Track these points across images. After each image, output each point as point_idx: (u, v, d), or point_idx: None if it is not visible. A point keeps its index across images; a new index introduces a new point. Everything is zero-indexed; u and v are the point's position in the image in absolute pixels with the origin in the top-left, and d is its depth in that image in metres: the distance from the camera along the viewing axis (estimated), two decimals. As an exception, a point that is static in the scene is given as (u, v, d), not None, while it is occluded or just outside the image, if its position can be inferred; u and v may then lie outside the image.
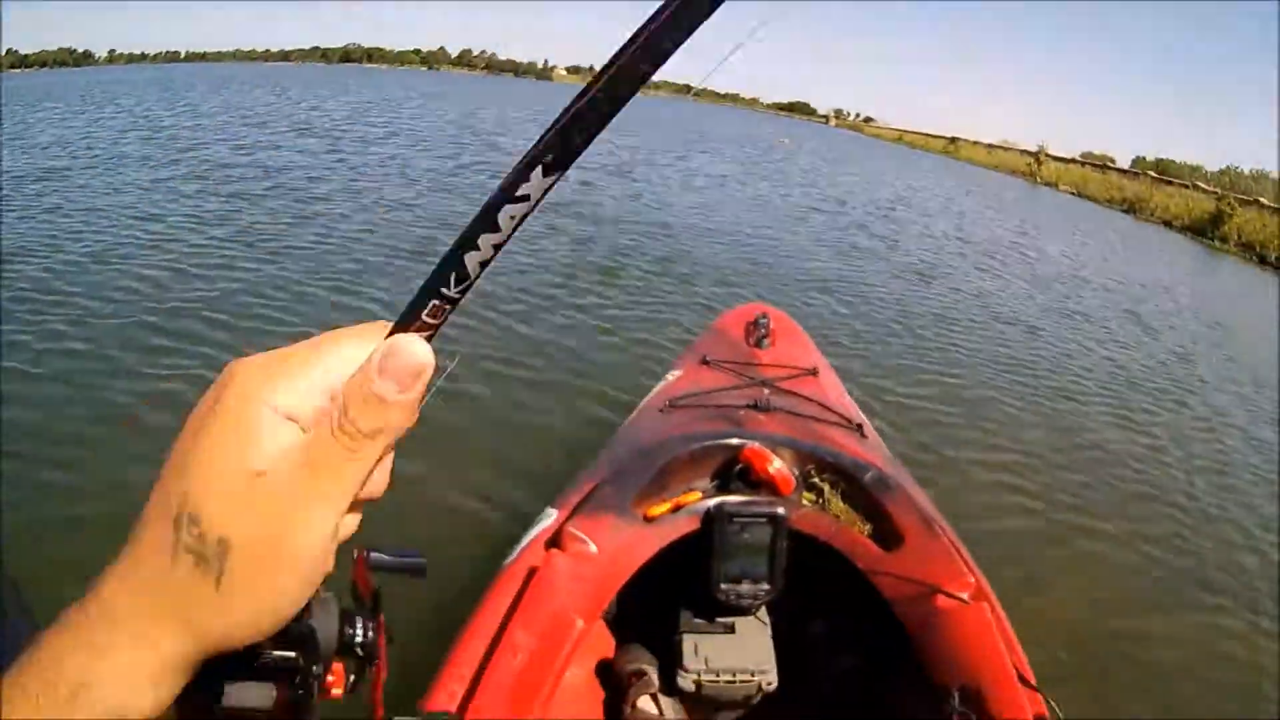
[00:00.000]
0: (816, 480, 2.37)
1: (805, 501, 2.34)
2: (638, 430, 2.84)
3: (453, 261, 0.41)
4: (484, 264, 0.41)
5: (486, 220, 0.40)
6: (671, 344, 5.84)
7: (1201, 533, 4.84)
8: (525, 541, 2.14)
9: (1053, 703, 1.72)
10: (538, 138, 0.39)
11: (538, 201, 0.40)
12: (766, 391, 2.90)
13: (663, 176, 16.51)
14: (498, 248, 0.41)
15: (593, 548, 2.04)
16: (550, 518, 2.20)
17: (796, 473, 2.37)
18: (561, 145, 0.39)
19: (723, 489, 2.34)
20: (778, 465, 2.29)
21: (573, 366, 5.58)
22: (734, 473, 2.34)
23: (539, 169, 0.39)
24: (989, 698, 1.70)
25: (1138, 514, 4.92)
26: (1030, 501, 4.76)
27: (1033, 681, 1.78)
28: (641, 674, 2.12)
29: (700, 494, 2.30)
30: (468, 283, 0.42)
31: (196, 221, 8.44)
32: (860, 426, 2.88)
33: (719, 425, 2.60)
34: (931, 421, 5.60)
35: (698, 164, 20.16)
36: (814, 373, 3.25)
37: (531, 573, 1.91)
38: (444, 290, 0.42)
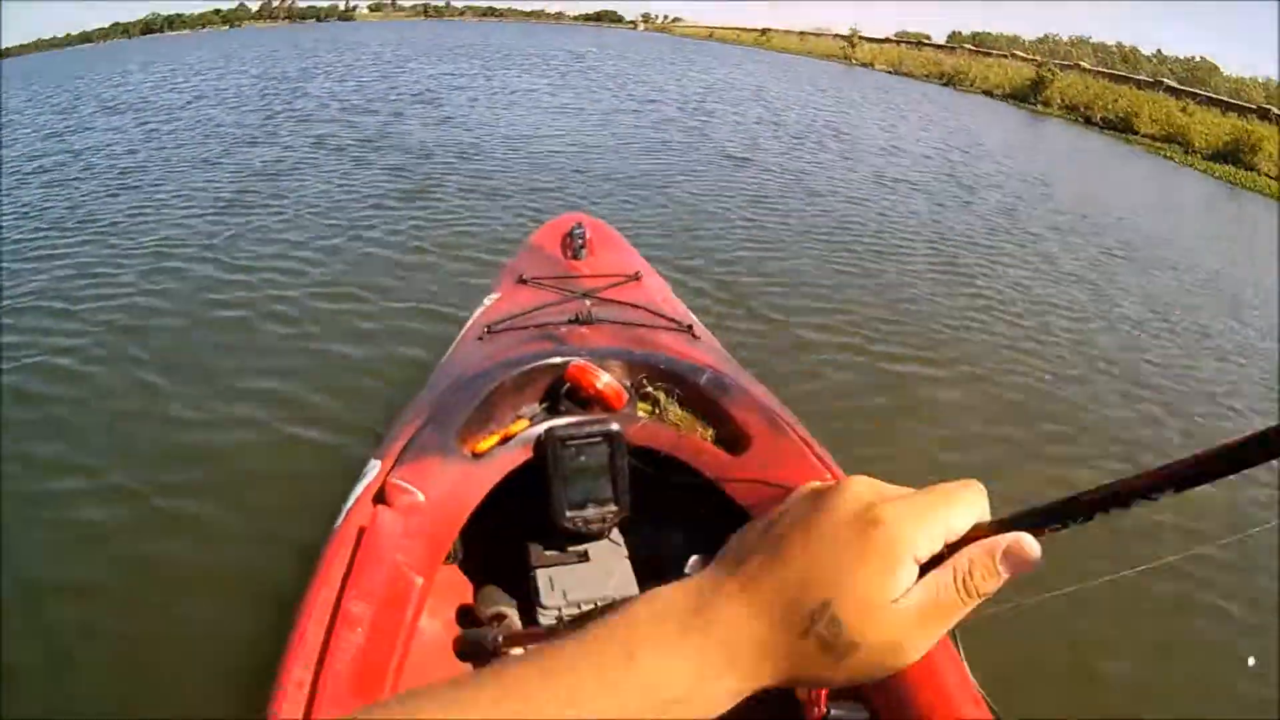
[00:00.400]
0: (650, 389, 2.29)
1: (641, 413, 2.25)
2: (457, 362, 2.62)
3: (1108, 504, 0.45)
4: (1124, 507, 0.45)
5: (1156, 490, 0.44)
6: (490, 266, 5.57)
7: (1034, 367, 5.22)
8: (351, 500, 1.95)
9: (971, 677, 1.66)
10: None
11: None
12: (588, 303, 2.82)
13: (469, 98, 16.04)
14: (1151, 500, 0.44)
15: (420, 496, 1.89)
16: (374, 470, 2.01)
17: (628, 384, 2.28)
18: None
19: (552, 412, 2.23)
20: (606, 379, 2.19)
21: (388, 303, 5.31)
22: (562, 393, 2.24)
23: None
24: None
25: (967, 355, 5.26)
26: (860, 358, 4.97)
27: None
28: (502, 617, 2.06)
29: (528, 420, 2.19)
30: (1102, 515, 0.46)
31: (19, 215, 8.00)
32: (690, 327, 2.81)
33: (541, 345, 2.47)
34: (763, 307, 5.61)
35: (503, 82, 19.86)
36: (636, 277, 3.16)
37: (360, 534, 1.76)
38: (1074, 519, 0.46)
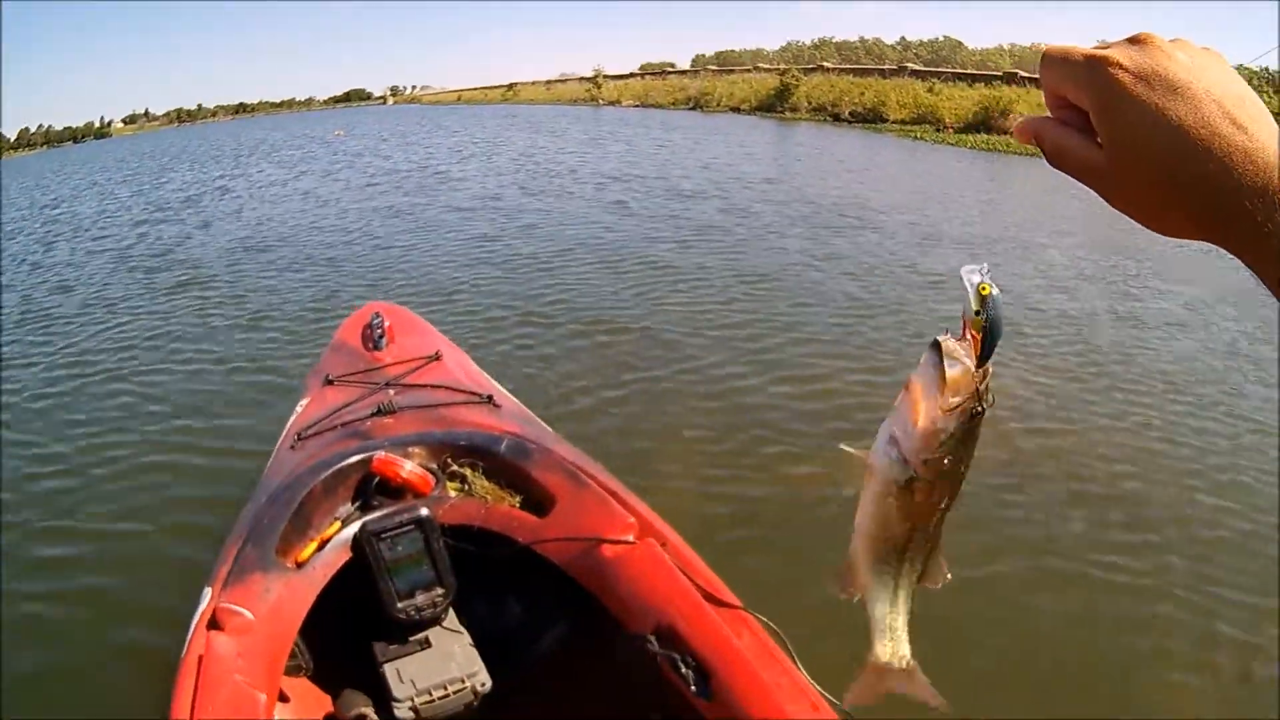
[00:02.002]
0: (456, 467, 2.34)
1: (451, 491, 2.30)
2: (273, 474, 2.58)
3: None
4: None
5: None
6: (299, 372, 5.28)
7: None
8: (190, 631, 1.94)
9: (760, 617, 1.79)
10: None
11: None
12: (391, 392, 2.85)
13: (218, 202, 15.52)
14: None
15: (249, 615, 1.91)
16: (207, 597, 2.01)
17: (434, 466, 2.34)
18: None
19: (365, 509, 2.25)
20: (410, 467, 2.26)
21: (203, 430, 5.02)
22: (371, 488, 2.27)
23: None
24: (685, 630, 1.75)
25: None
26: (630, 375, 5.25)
27: (730, 602, 1.83)
28: (362, 718, 2.08)
29: (340, 522, 2.21)
30: None
31: None
32: (490, 397, 2.85)
33: (347, 444, 2.49)
34: (547, 356, 5.74)
35: (256, 176, 19.75)
36: (436, 357, 3.20)
37: (200, 662, 1.78)
38: None
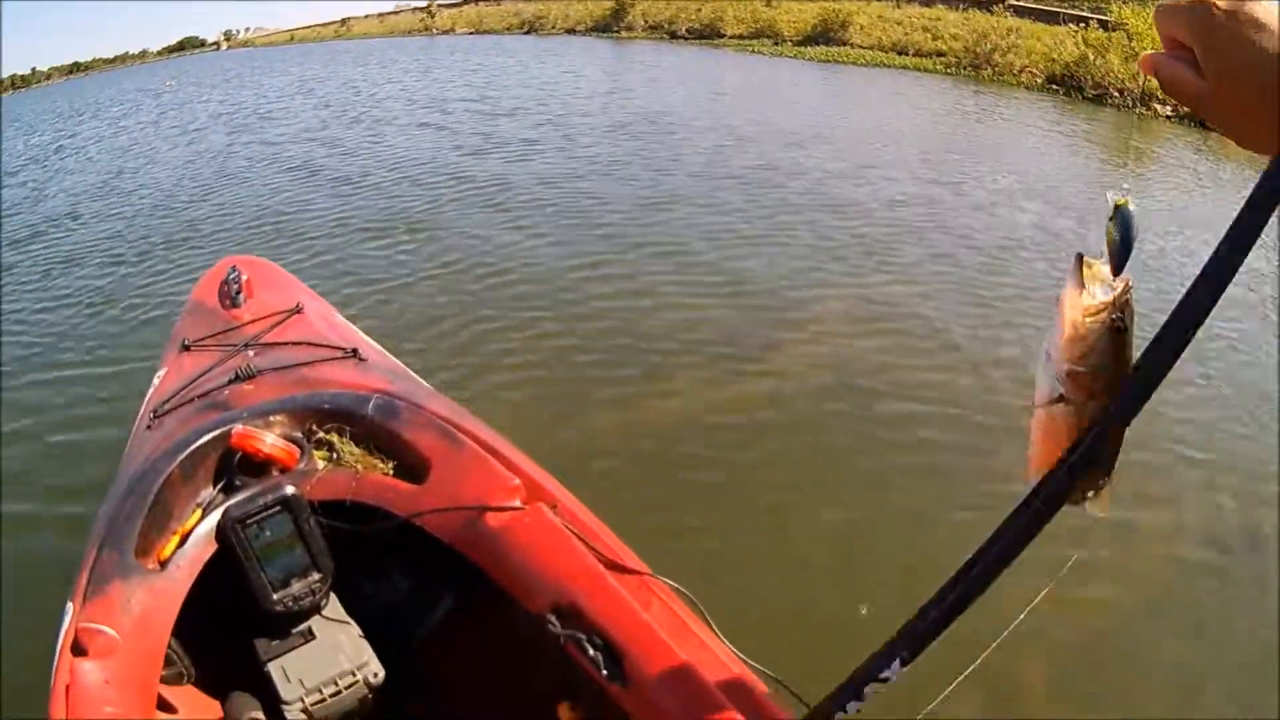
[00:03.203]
0: (321, 434, 2.14)
1: (321, 462, 2.10)
2: (129, 460, 2.33)
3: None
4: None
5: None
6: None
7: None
8: (55, 659, 1.75)
9: (669, 581, 1.69)
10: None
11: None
12: (251, 354, 2.62)
13: (44, 168, 14.50)
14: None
15: (113, 633, 1.72)
16: (68, 615, 1.82)
17: (299, 435, 2.14)
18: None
19: (229, 491, 2.03)
20: (272, 440, 2.04)
21: (54, 420, 4.60)
22: (233, 467, 2.05)
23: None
24: (587, 604, 1.63)
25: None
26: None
27: (634, 567, 1.72)
28: None
29: (201, 510, 1.99)
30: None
31: None
32: (355, 350, 2.63)
33: (204, 418, 2.25)
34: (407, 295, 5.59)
35: (84, 135, 18.64)
36: (298, 310, 2.94)
37: (67, 694, 1.63)
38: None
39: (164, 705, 1.75)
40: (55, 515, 3.68)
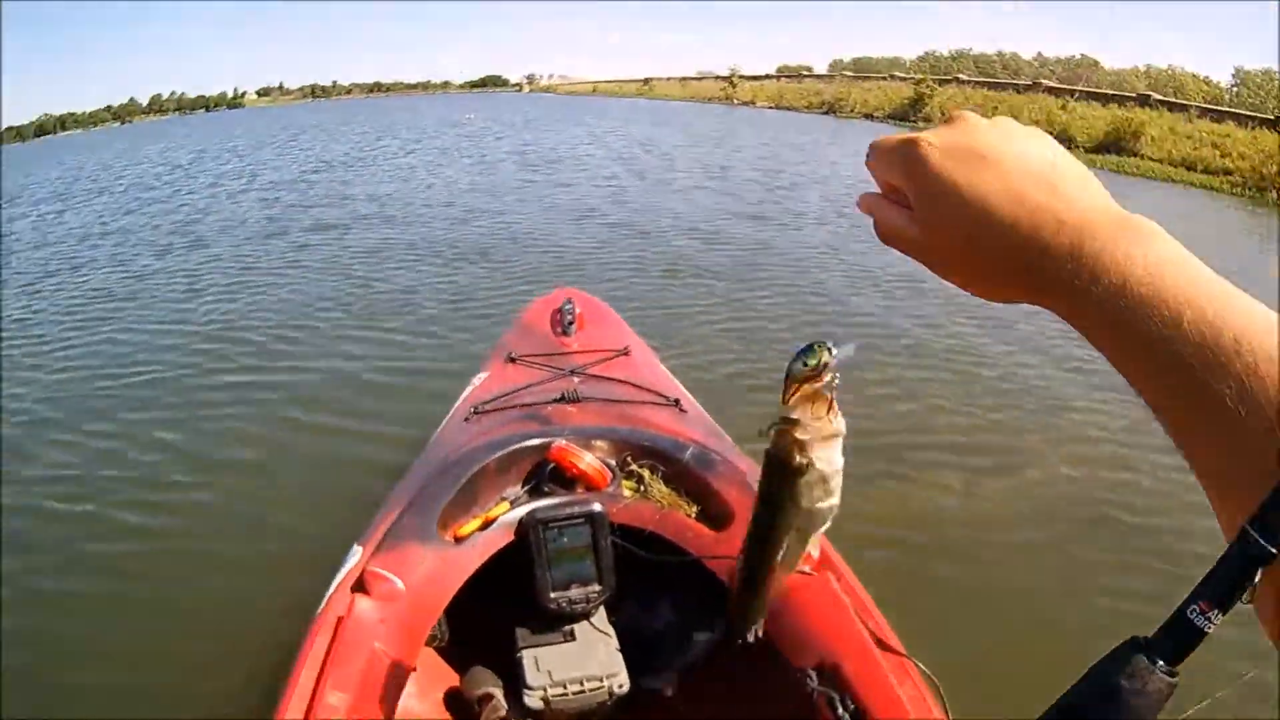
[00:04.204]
0: (634, 467, 2.28)
1: (626, 491, 2.23)
2: (441, 445, 2.58)
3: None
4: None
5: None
6: (478, 344, 5.57)
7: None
8: (332, 589, 1.96)
9: (921, 666, 1.69)
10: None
11: None
12: (576, 380, 2.82)
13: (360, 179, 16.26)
14: None
15: (399, 583, 1.90)
16: (355, 557, 2.02)
17: (612, 463, 2.28)
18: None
19: (535, 493, 2.23)
20: (589, 459, 2.20)
21: (379, 385, 5.35)
22: (545, 474, 2.24)
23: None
24: (849, 670, 1.67)
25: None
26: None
27: (896, 647, 1.73)
28: (489, 698, 2.01)
29: (509, 504, 2.19)
30: None
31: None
32: (677, 401, 2.79)
33: (526, 426, 2.47)
34: (745, 375, 5.52)
35: (384, 150, 21.00)
36: (625, 352, 3.15)
37: (338, 624, 1.78)
38: None
39: None
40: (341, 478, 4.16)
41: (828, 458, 0.73)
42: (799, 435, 0.72)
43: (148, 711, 2.72)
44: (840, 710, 1.63)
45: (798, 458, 0.72)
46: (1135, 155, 17.71)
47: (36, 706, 2.82)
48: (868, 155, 0.56)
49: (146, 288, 8.41)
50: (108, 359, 6.33)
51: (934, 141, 0.51)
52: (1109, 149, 18.42)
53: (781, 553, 0.84)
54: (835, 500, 0.77)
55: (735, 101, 38.25)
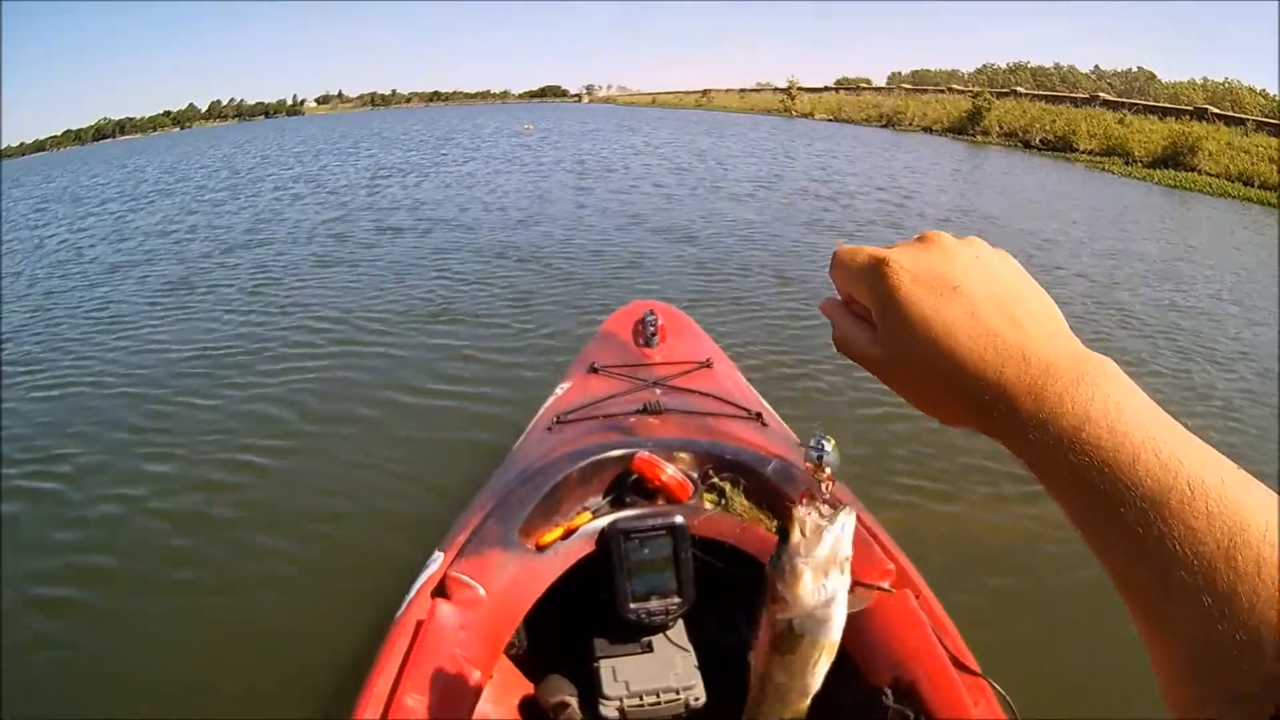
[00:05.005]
0: (716, 480, 2.27)
1: (707, 504, 2.23)
2: (524, 454, 2.60)
3: None
4: None
5: None
6: (562, 353, 5.66)
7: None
8: (412, 593, 1.99)
9: (997, 686, 1.68)
10: None
11: None
12: (658, 392, 2.84)
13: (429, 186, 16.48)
14: None
15: (480, 590, 1.92)
16: (436, 563, 2.05)
17: (694, 475, 2.28)
18: None
19: (617, 504, 2.24)
20: (671, 471, 2.21)
21: (458, 393, 5.43)
22: (627, 485, 2.25)
23: None
24: (925, 689, 1.67)
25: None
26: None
27: (972, 667, 1.73)
28: (564, 706, 2.01)
29: (591, 514, 2.19)
30: None
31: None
32: (759, 415, 2.77)
33: (608, 436, 2.46)
34: (830, 391, 5.46)
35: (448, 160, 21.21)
36: (708, 365, 3.15)
37: (418, 628, 1.80)
38: None
39: None
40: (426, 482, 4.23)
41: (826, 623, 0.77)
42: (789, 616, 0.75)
43: (224, 711, 2.80)
44: None
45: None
46: (1192, 170, 17.52)
47: (122, 704, 2.88)
48: (831, 265, 0.55)
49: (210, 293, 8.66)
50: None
51: (905, 266, 0.50)
52: (1166, 163, 18.26)
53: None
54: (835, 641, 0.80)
55: (794, 113, 38.09)
